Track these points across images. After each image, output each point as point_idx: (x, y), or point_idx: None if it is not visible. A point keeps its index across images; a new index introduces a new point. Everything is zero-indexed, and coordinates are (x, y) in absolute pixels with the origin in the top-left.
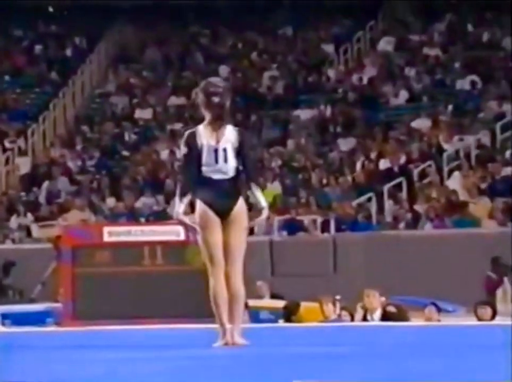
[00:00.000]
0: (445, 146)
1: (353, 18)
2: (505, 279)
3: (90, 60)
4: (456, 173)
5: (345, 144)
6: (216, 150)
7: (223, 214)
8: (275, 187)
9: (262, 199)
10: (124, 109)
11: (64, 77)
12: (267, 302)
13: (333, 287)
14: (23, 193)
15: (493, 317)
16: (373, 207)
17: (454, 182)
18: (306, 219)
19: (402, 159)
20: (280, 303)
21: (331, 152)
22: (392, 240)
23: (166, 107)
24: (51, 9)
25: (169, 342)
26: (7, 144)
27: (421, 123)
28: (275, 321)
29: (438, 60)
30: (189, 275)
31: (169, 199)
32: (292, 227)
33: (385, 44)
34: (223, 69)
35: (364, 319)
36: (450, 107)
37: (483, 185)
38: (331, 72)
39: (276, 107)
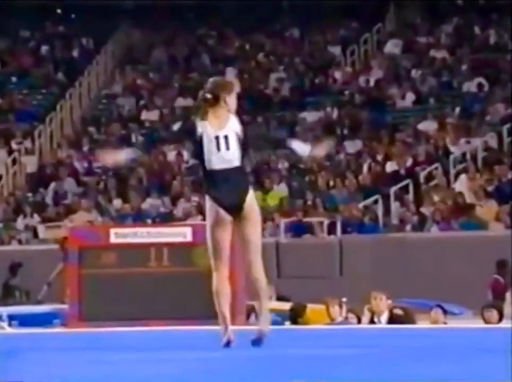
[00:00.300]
0: (452, 148)
1: (360, 20)
2: None
3: (97, 61)
4: (463, 176)
5: (352, 146)
6: (217, 138)
7: (235, 211)
8: (281, 189)
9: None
10: (131, 110)
11: (71, 78)
12: (273, 304)
13: (340, 289)
14: (29, 194)
15: (499, 320)
16: (380, 210)
17: (461, 185)
18: (312, 221)
19: (409, 161)
20: (286, 305)
21: (338, 154)
22: (399, 242)
23: (173, 109)
24: (58, 10)
25: (175, 344)
26: (13, 145)
27: (428, 126)
28: (282, 323)
29: (445, 63)
30: (196, 277)
31: (175, 200)
32: (299, 229)
33: (392, 46)
34: (230, 71)
35: (371, 321)
36: (457, 109)
37: (490, 188)
38: (338, 74)
39: (283, 109)
